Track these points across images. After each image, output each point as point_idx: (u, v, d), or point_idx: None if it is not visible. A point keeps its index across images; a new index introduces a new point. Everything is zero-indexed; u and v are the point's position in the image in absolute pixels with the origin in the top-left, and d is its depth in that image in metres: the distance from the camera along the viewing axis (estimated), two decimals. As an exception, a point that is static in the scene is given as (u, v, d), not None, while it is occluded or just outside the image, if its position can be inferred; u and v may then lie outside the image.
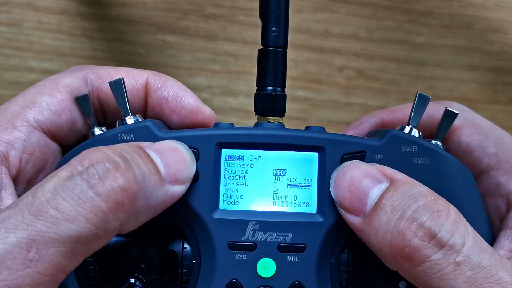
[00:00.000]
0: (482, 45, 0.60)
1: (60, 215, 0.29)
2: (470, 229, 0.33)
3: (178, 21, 0.58)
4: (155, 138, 0.35)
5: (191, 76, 0.58)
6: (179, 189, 0.34)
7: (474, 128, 0.40)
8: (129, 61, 0.58)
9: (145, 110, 0.40)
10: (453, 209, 0.33)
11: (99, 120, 0.40)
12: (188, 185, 0.34)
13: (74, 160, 0.31)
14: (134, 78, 0.39)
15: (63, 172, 0.31)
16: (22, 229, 0.29)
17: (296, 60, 0.59)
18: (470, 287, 0.31)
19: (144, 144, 0.34)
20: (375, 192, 0.33)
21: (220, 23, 0.58)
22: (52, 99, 0.37)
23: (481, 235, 0.33)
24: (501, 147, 0.39)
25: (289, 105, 0.59)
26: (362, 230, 0.34)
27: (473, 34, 0.60)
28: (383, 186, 0.33)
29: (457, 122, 0.40)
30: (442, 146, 0.39)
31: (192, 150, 0.35)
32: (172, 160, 0.34)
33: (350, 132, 0.44)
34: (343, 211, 0.34)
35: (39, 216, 0.29)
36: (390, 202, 0.33)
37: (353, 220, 0.34)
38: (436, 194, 0.33)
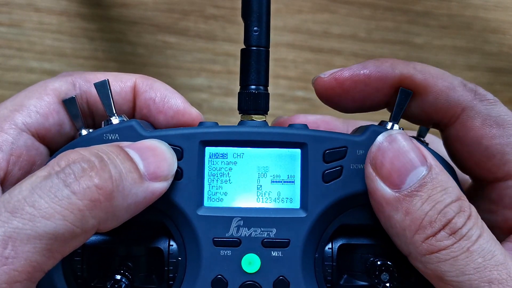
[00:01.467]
0: (481, 45, 0.60)
1: (37, 212, 0.30)
2: (485, 226, 0.34)
3: (178, 22, 0.59)
4: (139, 137, 0.36)
5: (191, 76, 0.58)
6: (160, 186, 0.34)
7: (498, 129, 0.36)
8: (129, 61, 0.58)
9: (133, 112, 0.40)
10: (473, 209, 0.34)
11: (88, 123, 0.40)
12: (170, 182, 0.35)
13: (52, 161, 0.32)
14: (123, 81, 0.40)
15: (41, 172, 0.31)
16: None
17: (295, 61, 0.59)
18: (479, 273, 0.32)
19: (124, 143, 0.35)
20: (416, 174, 0.33)
21: (220, 24, 0.59)
22: (40, 102, 0.37)
23: None
24: None
25: (288, 105, 0.59)
26: (390, 205, 0.34)
27: (472, 34, 0.60)
28: (424, 171, 0.34)
29: (478, 121, 0.37)
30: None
31: (176, 148, 0.36)
32: (152, 158, 0.34)
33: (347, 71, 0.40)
34: (376, 177, 0.34)
35: (15, 213, 0.30)
36: (428, 190, 0.33)
37: (385, 191, 0.34)
38: (462, 192, 0.34)
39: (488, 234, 0.33)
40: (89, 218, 0.31)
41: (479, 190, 0.40)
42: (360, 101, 0.39)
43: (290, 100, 0.59)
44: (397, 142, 0.34)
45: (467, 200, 0.34)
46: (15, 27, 0.57)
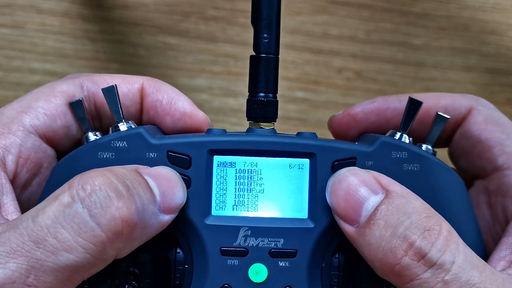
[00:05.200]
0: (478, 46, 0.60)
1: (60, 244, 0.30)
2: (461, 245, 0.32)
3: (179, 23, 0.59)
4: (148, 145, 0.35)
5: (191, 77, 0.59)
6: (169, 218, 0.34)
7: (498, 126, 0.40)
8: (130, 62, 0.59)
9: (140, 114, 0.40)
10: (445, 226, 0.32)
11: (96, 125, 0.40)
12: (176, 214, 0.34)
13: (76, 183, 0.31)
14: (130, 83, 0.39)
15: (64, 196, 0.31)
16: (22, 255, 0.29)
17: (295, 62, 0.60)
18: None
19: (140, 168, 0.34)
20: (370, 204, 0.33)
21: (221, 25, 0.59)
22: (47, 104, 0.37)
23: (470, 244, 0.33)
24: None
25: (288, 106, 0.60)
26: (355, 240, 0.34)
27: (469, 36, 0.60)
28: (378, 198, 0.33)
29: (481, 118, 0.40)
30: (433, 151, 0.39)
31: (184, 157, 0.35)
32: (167, 189, 0.34)
33: (359, 108, 0.43)
34: (337, 218, 0.35)
35: (38, 244, 0.30)
36: (384, 216, 0.33)
37: (348, 228, 0.34)
38: (431, 209, 0.33)
39: (464, 256, 0.32)
40: (110, 250, 0.31)
41: (478, 188, 0.41)
42: (373, 131, 0.42)
43: (289, 101, 0.59)
44: (345, 179, 0.34)
45: (439, 217, 0.33)
46: (17, 28, 0.58)
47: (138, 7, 0.58)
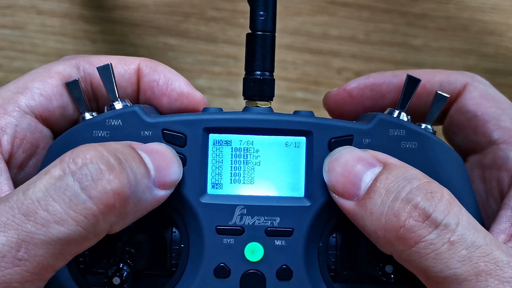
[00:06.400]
0: (477, 47, 0.60)
1: (50, 217, 0.29)
2: (463, 210, 0.32)
3: (179, 24, 0.59)
4: (143, 123, 0.35)
5: (192, 78, 0.59)
6: (165, 194, 0.34)
7: (494, 102, 0.40)
8: (131, 63, 0.59)
9: (137, 95, 0.40)
10: (446, 191, 0.33)
11: (92, 106, 0.40)
12: (172, 190, 0.34)
13: (67, 157, 0.31)
14: (127, 64, 0.39)
15: (56, 170, 0.30)
16: (13, 228, 0.29)
17: (295, 62, 0.60)
18: (465, 266, 0.31)
19: (135, 144, 0.34)
20: (368, 176, 0.33)
21: (221, 26, 0.59)
22: (43, 85, 0.37)
23: None
24: None
25: (288, 107, 0.60)
26: (356, 214, 0.33)
27: (469, 36, 0.60)
28: (377, 170, 0.33)
29: (476, 93, 0.40)
30: (432, 130, 0.38)
31: (179, 135, 0.35)
32: (162, 164, 0.33)
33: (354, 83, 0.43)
34: (336, 196, 0.34)
35: (29, 217, 0.29)
36: (384, 184, 0.33)
37: (347, 204, 0.34)
38: (429, 177, 0.33)
39: (467, 219, 0.32)
40: (102, 223, 0.31)
41: (472, 163, 0.41)
42: (369, 107, 0.41)
43: (289, 101, 0.59)
44: (342, 156, 0.34)
45: (438, 183, 0.33)
46: (18, 29, 0.58)
47: (139, 8, 0.59)
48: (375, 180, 0.33)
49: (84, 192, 0.30)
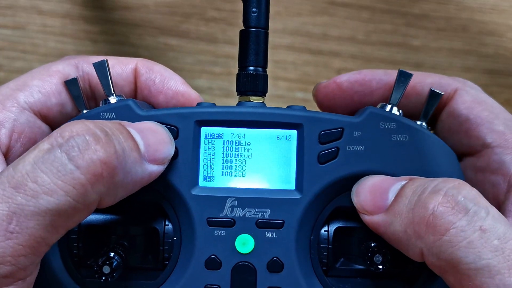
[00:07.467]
0: (477, 47, 0.61)
1: (39, 188, 0.30)
2: (490, 204, 0.32)
3: (179, 24, 0.59)
4: (136, 117, 0.36)
5: (192, 78, 0.59)
6: (157, 169, 0.34)
7: (486, 106, 0.39)
8: (131, 63, 0.59)
9: (135, 94, 0.41)
10: (471, 187, 0.33)
11: (91, 104, 0.41)
12: (165, 166, 0.35)
13: (55, 132, 0.32)
14: (124, 64, 0.40)
15: (44, 144, 0.31)
16: (3, 201, 0.30)
17: (295, 63, 0.60)
18: (498, 257, 0.30)
19: (125, 122, 0.35)
20: (395, 187, 0.34)
21: (221, 26, 0.59)
22: (43, 83, 0.38)
23: None
24: (510, 129, 0.39)
25: (288, 107, 0.60)
26: (385, 223, 0.34)
27: (468, 37, 0.61)
28: (403, 182, 0.34)
29: (468, 97, 0.40)
30: (427, 127, 0.39)
31: (171, 128, 0.36)
32: (152, 140, 0.34)
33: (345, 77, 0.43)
34: (366, 216, 0.35)
35: (19, 189, 0.30)
36: (411, 188, 0.33)
37: (377, 219, 0.34)
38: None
39: (497, 211, 0.31)
40: (91, 193, 0.31)
41: (465, 165, 0.41)
42: (358, 102, 0.41)
43: (289, 101, 0.59)
44: (368, 179, 0.35)
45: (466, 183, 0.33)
46: (19, 29, 0.58)
47: (139, 8, 0.59)
48: (402, 188, 0.34)
49: (71, 163, 0.30)
